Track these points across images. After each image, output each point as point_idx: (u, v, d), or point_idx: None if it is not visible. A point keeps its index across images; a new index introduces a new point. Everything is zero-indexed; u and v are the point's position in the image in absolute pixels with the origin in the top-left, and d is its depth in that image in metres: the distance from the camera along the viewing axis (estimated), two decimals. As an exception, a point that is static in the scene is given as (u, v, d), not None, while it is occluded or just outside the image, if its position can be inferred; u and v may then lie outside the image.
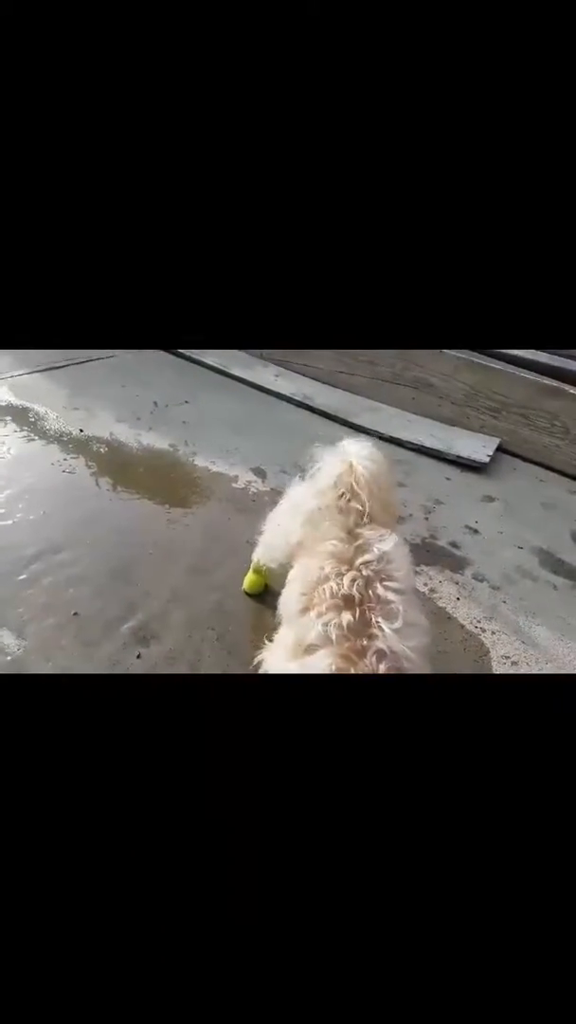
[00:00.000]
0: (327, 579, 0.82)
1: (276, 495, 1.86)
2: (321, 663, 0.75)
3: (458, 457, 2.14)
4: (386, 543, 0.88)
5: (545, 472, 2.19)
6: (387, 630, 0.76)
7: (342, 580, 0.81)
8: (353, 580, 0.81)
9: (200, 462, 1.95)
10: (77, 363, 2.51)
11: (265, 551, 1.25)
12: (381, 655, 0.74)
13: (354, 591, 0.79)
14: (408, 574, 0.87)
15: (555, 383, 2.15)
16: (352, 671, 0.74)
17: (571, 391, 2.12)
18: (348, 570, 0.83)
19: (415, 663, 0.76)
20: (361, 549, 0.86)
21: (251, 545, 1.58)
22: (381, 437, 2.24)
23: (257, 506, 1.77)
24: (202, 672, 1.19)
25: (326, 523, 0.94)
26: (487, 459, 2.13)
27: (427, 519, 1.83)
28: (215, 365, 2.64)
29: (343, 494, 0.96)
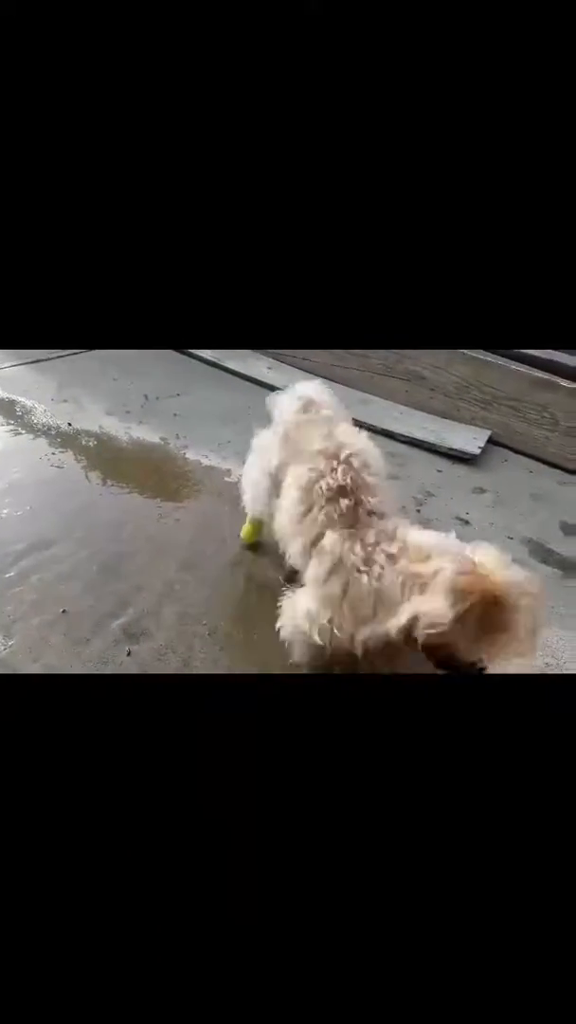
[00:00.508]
0: (322, 476, 1.00)
1: (268, 489, 1.86)
2: (332, 540, 0.95)
3: (449, 449, 2.14)
4: (360, 438, 1.08)
5: (535, 464, 2.20)
6: (372, 501, 0.99)
7: (336, 473, 0.99)
8: (345, 472, 0.99)
9: (192, 455, 1.94)
10: (66, 356, 2.46)
11: (251, 497, 1.36)
12: (372, 514, 0.97)
13: (347, 480, 0.98)
14: (381, 461, 1.07)
15: (545, 375, 2.16)
16: (348, 535, 0.93)
17: (561, 383, 2.12)
18: (338, 463, 1.00)
19: (392, 517, 1.00)
20: (343, 445, 1.03)
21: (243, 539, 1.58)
22: (373, 429, 2.23)
23: (249, 500, 1.76)
24: (194, 668, 1.19)
25: (304, 432, 1.09)
26: (478, 451, 2.13)
27: (419, 511, 1.83)
28: (208, 358, 2.61)
29: (311, 411, 1.12)
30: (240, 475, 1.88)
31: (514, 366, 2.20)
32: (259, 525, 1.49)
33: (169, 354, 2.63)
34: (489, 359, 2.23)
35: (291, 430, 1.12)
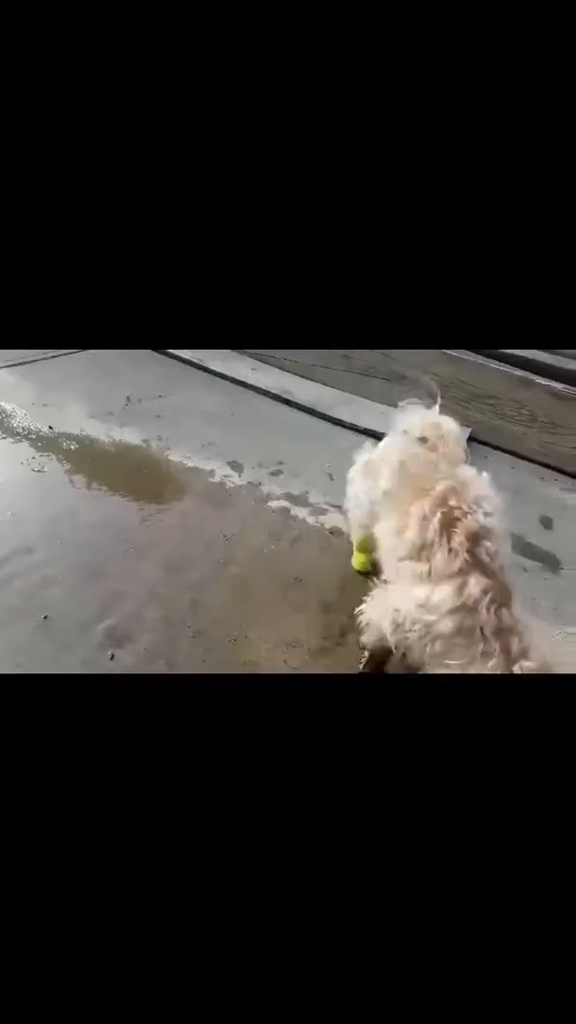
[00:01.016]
0: (464, 515, 0.99)
1: (254, 488, 1.86)
2: (478, 585, 0.93)
3: (432, 447, 2.17)
4: (486, 485, 1.06)
5: (515, 459, 2.24)
6: (503, 551, 0.99)
7: (472, 518, 0.99)
8: (478, 513, 0.99)
9: (175, 457, 1.93)
10: (47, 358, 2.43)
11: (354, 519, 1.35)
12: (503, 569, 0.97)
13: (483, 522, 0.98)
14: (501, 506, 1.06)
15: (523, 373, 2.20)
16: (491, 586, 0.93)
17: (538, 381, 2.17)
18: (465, 505, 1.00)
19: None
20: (465, 485, 1.03)
21: (228, 540, 1.58)
22: (357, 429, 2.26)
23: (234, 500, 1.76)
24: (178, 671, 1.19)
25: (425, 466, 1.08)
26: (460, 449, 2.17)
27: (402, 509, 1.85)
28: (191, 359, 2.60)
29: (432, 443, 1.11)
30: (225, 474, 1.89)
31: (492, 364, 2.24)
32: (368, 550, 1.42)
33: (151, 356, 2.62)
34: (468, 358, 2.27)
35: (410, 462, 1.10)
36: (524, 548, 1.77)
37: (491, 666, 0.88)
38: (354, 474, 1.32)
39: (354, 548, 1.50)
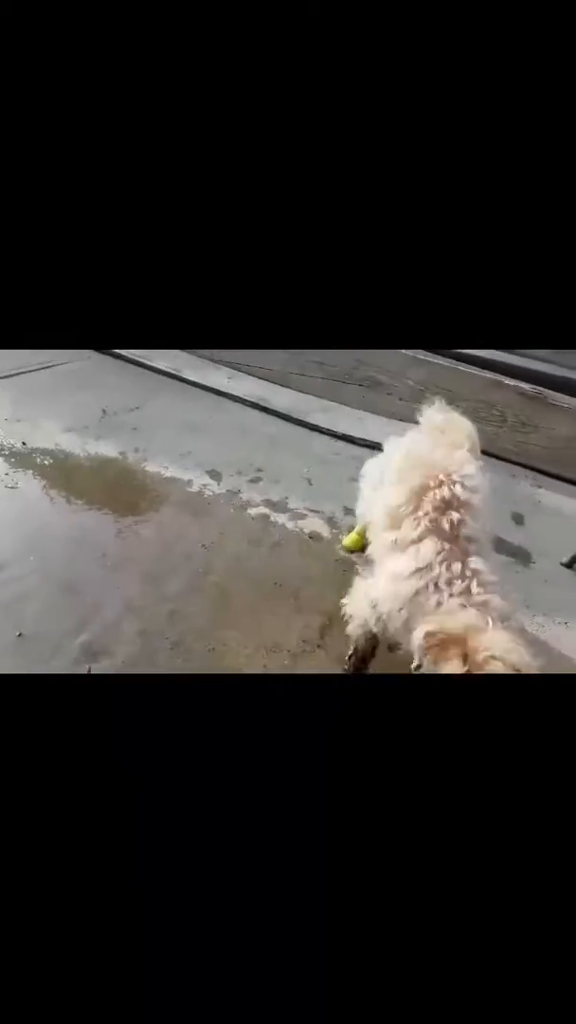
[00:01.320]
0: (440, 484, 1.04)
1: (232, 496, 1.86)
2: (431, 547, 0.97)
3: (407, 450, 2.21)
4: (472, 465, 1.13)
5: (488, 459, 2.30)
6: (472, 524, 1.02)
7: (444, 488, 1.04)
8: (454, 487, 1.05)
9: (152, 468, 1.92)
10: (20, 373, 2.41)
11: (362, 498, 1.41)
12: (469, 540, 1.00)
13: (455, 495, 1.03)
14: (488, 488, 1.12)
15: (495, 376, 2.27)
16: (446, 549, 0.97)
17: (508, 383, 2.24)
18: (448, 479, 1.06)
19: (487, 547, 1.06)
20: (457, 463, 1.10)
21: (207, 549, 1.58)
22: (335, 435, 2.29)
23: (213, 509, 1.76)
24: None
25: (426, 446, 1.16)
26: (435, 450, 2.21)
27: (380, 511, 1.88)
28: (166, 369, 2.60)
29: (443, 431, 1.21)
30: (203, 483, 1.89)
31: (466, 368, 2.31)
32: (362, 536, 1.50)
33: (126, 367, 2.61)
34: (440, 362, 2.33)
35: (417, 443, 1.20)
36: (496, 543, 1.81)
37: (443, 611, 0.92)
38: (373, 459, 1.41)
39: (354, 530, 1.56)
